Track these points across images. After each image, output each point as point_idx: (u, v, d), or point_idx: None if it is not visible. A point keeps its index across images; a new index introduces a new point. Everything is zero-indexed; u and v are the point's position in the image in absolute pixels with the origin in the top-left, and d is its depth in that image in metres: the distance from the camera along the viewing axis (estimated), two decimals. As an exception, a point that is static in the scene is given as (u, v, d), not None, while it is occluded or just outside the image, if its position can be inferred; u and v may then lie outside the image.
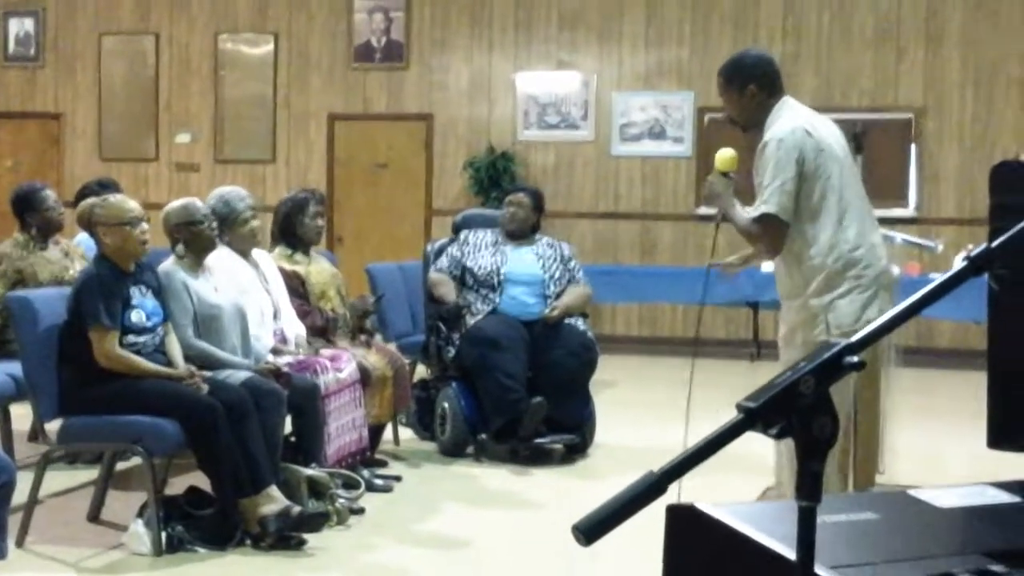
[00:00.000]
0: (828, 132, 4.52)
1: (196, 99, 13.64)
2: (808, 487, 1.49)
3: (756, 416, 1.47)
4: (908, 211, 11.88)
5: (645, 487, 1.46)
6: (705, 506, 1.74)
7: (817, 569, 1.50)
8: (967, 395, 7.74)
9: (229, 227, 5.65)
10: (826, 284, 4.39)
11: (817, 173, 4.37)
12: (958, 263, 1.60)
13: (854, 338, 1.52)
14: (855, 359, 1.49)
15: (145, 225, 5.02)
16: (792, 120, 4.44)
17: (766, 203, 4.35)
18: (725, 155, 4.53)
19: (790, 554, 1.51)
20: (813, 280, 4.40)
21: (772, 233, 4.40)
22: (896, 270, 5.74)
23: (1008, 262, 1.54)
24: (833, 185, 4.39)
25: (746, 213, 4.48)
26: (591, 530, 1.44)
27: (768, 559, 1.61)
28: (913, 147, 11.98)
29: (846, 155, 4.54)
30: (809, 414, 1.48)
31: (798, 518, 1.48)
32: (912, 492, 1.87)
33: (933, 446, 7.15)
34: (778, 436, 1.50)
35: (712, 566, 1.76)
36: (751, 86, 4.52)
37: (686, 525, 1.77)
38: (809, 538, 1.48)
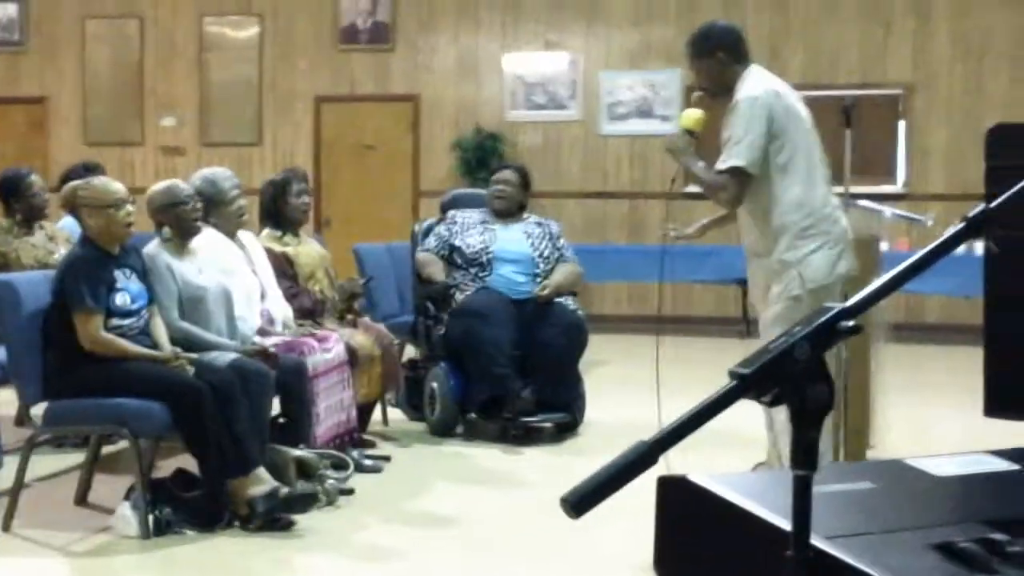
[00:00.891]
0: (795, 98, 4.71)
1: (181, 83, 13.55)
2: (803, 455, 1.45)
3: (749, 382, 1.42)
4: (897, 187, 11.86)
5: (635, 457, 1.41)
6: (697, 477, 1.70)
7: (813, 540, 1.46)
8: (956, 369, 7.74)
9: (216, 207, 5.60)
10: (797, 239, 4.56)
11: (786, 133, 4.56)
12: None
13: (849, 302, 1.49)
14: (851, 323, 1.46)
15: (130, 207, 4.97)
16: (762, 82, 4.64)
17: (736, 157, 4.51)
18: (692, 114, 4.66)
19: (785, 525, 1.48)
20: (782, 236, 4.59)
21: (737, 185, 4.55)
22: (884, 244, 5.73)
23: (1007, 221, 1.51)
24: (800, 145, 4.59)
25: (707, 168, 4.61)
26: (580, 502, 1.40)
27: (762, 530, 1.57)
28: (902, 123, 11.95)
29: (809, 119, 4.71)
30: (804, 380, 1.44)
31: (793, 488, 1.44)
32: (909, 461, 1.83)
33: (923, 420, 7.13)
34: (772, 403, 1.46)
35: (705, 538, 1.72)
36: (720, 53, 4.71)
37: (678, 497, 1.73)
38: (804, 508, 1.44)
